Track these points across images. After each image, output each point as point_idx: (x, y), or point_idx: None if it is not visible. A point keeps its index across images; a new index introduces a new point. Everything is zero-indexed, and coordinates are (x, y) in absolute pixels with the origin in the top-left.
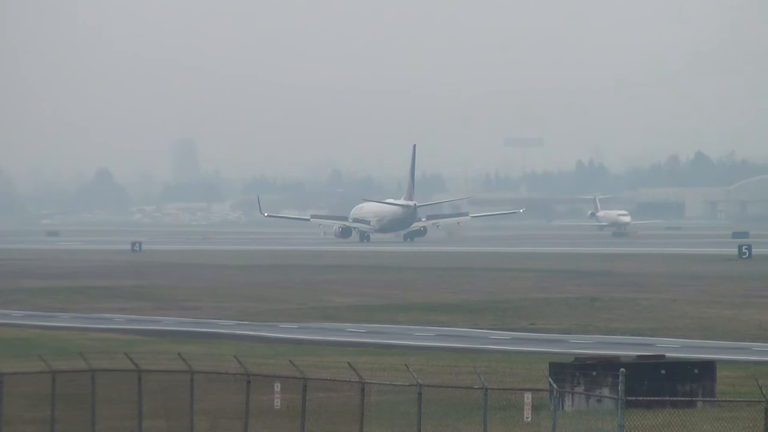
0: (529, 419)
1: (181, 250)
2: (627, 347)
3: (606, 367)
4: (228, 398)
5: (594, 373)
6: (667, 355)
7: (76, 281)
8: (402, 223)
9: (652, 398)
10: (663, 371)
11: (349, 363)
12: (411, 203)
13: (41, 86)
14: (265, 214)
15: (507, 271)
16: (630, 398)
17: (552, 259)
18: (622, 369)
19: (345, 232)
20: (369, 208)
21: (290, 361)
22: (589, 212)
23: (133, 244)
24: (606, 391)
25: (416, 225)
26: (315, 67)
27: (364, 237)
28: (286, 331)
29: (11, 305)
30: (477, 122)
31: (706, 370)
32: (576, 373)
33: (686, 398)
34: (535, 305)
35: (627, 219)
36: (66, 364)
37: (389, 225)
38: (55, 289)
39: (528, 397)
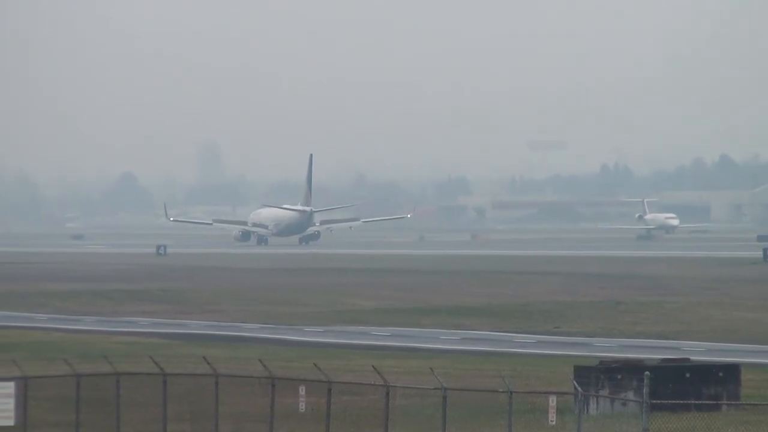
0: (554, 422)
1: (206, 253)
2: (652, 350)
3: (631, 370)
4: (253, 401)
5: (619, 377)
6: (692, 358)
7: (100, 284)
8: (298, 228)
9: (677, 401)
10: (688, 374)
11: (374, 366)
12: (307, 209)
13: (64, 90)
14: (171, 219)
15: (531, 275)
16: (655, 401)
17: (576, 262)
18: (647, 372)
19: (245, 236)
20: (267, 214)
21: (315, 365)
22: (637, 215)
23: (158, 247)
24: (631, 395)
25: (311, 229)
26: (338, 70)
27: (262, 240)
28: (310, 334)
29: (36, 308)
30: (500, 125)
31: (730, 373)
32: (601, 377)
33: (711, 401)
34: (560, 308)
35: (675, 222)
36: (91, 367)
37: (286, 229)
38: (79, 292)
39: (553, 401)
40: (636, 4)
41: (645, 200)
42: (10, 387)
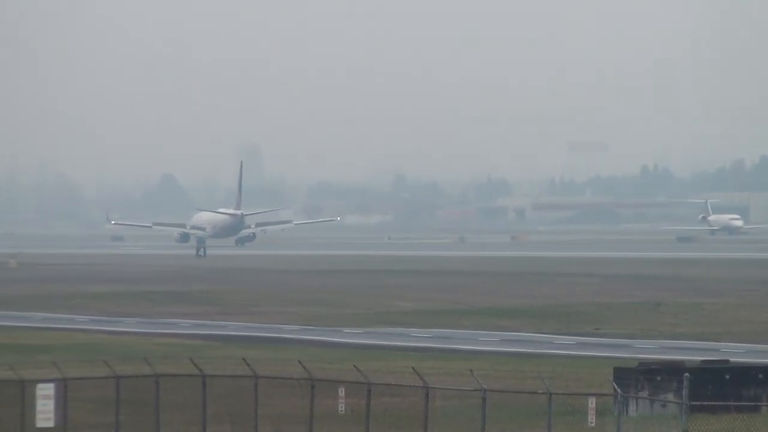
0: (594, 424)
1: (246, 254)
2: (691, 352)
3: (670, 371)
4: (292, 403)
5: (658, 378)
6: (732, 359)
7: (140, 286)
8: (232, 230)
9: (717, 403)
10: (727, 376)
11: (413, 368)
12: (238, 212)
13: (106, 93)
14: (112, 222)
15: (571, 276)
16: (694, 403)
17: (617, 263)
18: (687, 374)
19: (183, 238)
20: (205, 217)
21: (354, 366)
22: (700, 216)
23: (198, 248)
24: (670, 396)
25: (245, 231)
26: (377, 71)
27: (201, 242)
28: (350, 335)
29: (76, 310)
30: (541, 126)
31: None
32: (640, 378)
33: (751, 403)
34: (600, 310)
35: (739, 223)
36: (131, 368)
37: (221, 231)
38: (119, 293)
39: (592, 402)
40: (678, 7)
41: (708, 201)
42: (50, 388)
